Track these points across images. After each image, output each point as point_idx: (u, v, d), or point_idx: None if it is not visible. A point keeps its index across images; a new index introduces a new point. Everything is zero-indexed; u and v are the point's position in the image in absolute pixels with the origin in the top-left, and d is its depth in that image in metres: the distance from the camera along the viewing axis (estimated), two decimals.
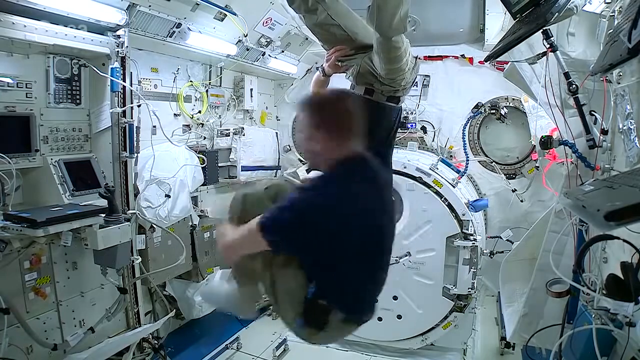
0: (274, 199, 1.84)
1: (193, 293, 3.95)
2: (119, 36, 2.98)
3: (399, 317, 4.00)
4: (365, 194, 1.71)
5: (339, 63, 2.35)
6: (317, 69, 2.47)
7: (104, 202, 2.71)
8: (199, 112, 4.30)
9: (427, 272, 3.86)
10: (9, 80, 2.59)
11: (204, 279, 4.06)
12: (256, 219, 1.66)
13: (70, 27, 2.70)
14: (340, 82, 2.46)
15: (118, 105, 3.04)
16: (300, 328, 1.81)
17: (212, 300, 2.31)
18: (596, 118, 2.43)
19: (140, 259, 3.33)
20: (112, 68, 2.99)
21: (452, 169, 4.49)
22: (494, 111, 4.68)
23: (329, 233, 1.61)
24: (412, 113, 4.93)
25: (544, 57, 2.45)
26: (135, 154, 3.23)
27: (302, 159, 5.35)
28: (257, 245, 1.67)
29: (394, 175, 3.72)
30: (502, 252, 4.11)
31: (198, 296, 3.96)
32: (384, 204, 1.86)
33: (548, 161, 3.67)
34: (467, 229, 3.72)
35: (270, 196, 1.87)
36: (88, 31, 2.81)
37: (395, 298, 3.98)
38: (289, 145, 5.50)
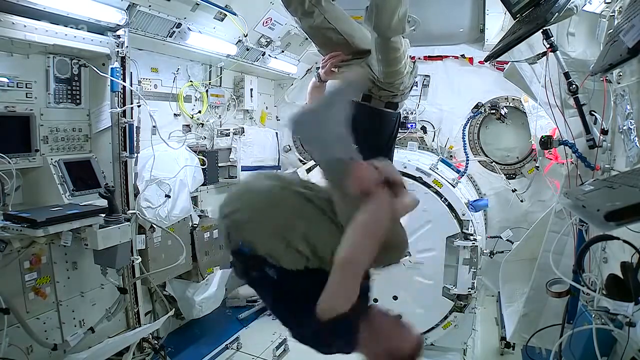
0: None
1: (193, 293, 3.95)
2: (119, 36, 2.98)
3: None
4: None
5: (335, 69, 2.34)
6: (315, 74, 2.45)
7: (104, 202, 2.71)
8: (199, 112, 4.30)
9: (427, 272, 3.87)
10: (4, 79, 2.59)
11: (204, 279, 4.07)
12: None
13: (70, 27, 2.70)
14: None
15: (118, 105, 3.04)
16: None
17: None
18: (596, 118, 2.43)
19: (140, 259, 3.33)
20: (112, 68, 2.99)
21: (452, 169, 4.50)
22: (494, 111, 4.68)
23: None
24: (412, 113, 4.93)
25: (544, 57, 2.45)
26: (135, 154, 3.23)
27: (301, 158, 5.35)
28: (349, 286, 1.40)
29: None
30: (502, 252, 4.11)
31: (198, 296, 3.96)
32: None
33: (548, 161, 3.67)
34: (467, 229, 3.72)
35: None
36: (88, 31, 2.81)
37: (395, 298, 3.98)
38: (289, 145, 5.50)
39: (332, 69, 2.33)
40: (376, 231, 1.42)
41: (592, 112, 2.45)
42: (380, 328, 1.48)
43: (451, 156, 4.86)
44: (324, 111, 1.60)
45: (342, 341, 1.48)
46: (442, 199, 3.76)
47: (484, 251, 4.05)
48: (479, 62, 4.69)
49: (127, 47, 3.02)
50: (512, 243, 4.06)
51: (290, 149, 5.51)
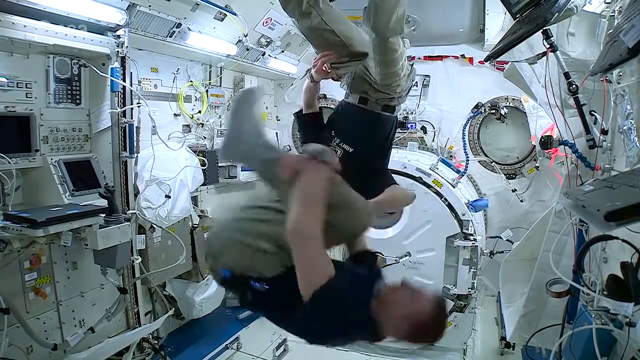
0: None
1: (193, 293, 3.95)
2: (119, 36, 2.98)
3: None
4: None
5: (327, 69, 2.33)
6: (308, 75, 2.45)
7: (104, 202, 2.71)
8: (199, 112, 4.30)
9: (427, 272, 3.87)
10: (4, 79, 2.58)
11: (204, 279, 4.07)
12: (328, 274, 1.42)
13: (70, 27, 2.70)
14: (336, 89, 2.44)
15: (118, 106, 3.04)
16: None
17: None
18: (596, 118, 2.43)
19: (140, 259, 3.33)
20: (112, 68, 2.99)
21: (452, 169, 4.50)
22: (494, 111, 4.68)
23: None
24: (412, 113, 4.93)
25: (544, 57, 2.45)
26: (135, 154, 3.23)
27: None
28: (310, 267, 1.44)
29: (394, 175, 3.77)
30: (502, 252, 4.11)
31: (198, 296, 3.96)
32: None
33: (549, 161, 3.67)
34: (467, 229, 3.73)
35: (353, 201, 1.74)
36: (88, 31, 2.81)
37: None
38: (289, 146, 5.50)
39: (324, 69, 2.33)
40: (310, 196, 1.50)
41: (592, 112, 2.45)
42: (392, 302, 1.45)
43: (451, 156, 4.86)
44: (235, 131, 1.78)
45: (359, 327, 1.48)
46: (442, 199, 3.77)
47: (484, 251, 4.05)
48: (479, 62, 4.69)
49: (127, 47, 3.02)
50: (512, 243, 4.05)
51: (290, 149, 5.51)
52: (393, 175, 3.77)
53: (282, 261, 1.54)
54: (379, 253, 3.87)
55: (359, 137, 2.33)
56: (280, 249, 1.53)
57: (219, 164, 4.46)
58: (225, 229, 1.75)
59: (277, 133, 5.32)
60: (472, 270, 3.74)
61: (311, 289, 1.38)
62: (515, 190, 4.64)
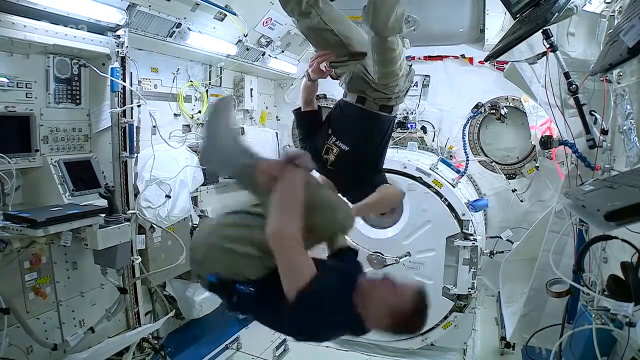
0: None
1: (193, 293, 3.95)
2: (119, 36, 2.98)
3: None
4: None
5: (323, 68, 2.35)
6: (305, 74, 2.47)
7: (104, 202, 2.71)
8: (199, 112, 4.30)
9: (427, 272, 3.87)
10: (4, 79, 2.58)
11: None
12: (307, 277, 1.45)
13: (70, 27, 2.70)
14: (335, 89, 2.45)
15: (118, 105, 3.04)
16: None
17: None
18: (596, 118, 2.43)
19: (140, 259, 3.33)
20: (112, 68, 2.99)
21: (452, 169, 4.50)
22: (494, 111, 4.68)
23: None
24: (412, 113, 4.93)
25: (544, 57, 2.45)
26: (135, 154, 3.23)
27: None
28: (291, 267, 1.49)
29: (394, 175, 3.78)
30: (502, 252, 4.11)
31: (198, 296, 3.96)
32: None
33: (549, 160, 3.67)
34: (467, 229, 3.72)
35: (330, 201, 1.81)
36: (88, 31, 2.81)
37: None
38: (289, 145, 5.50)
39: (322, 68, 2.35)
40: (288, 200, 1.55)
41: (592, 112, 2.45)
42: (372, 294, 1.52)
43: (451, 156, 4.86)
44: (211, 139, 1.84)
45: (343, 322, 1.53)
46: (442, 199, 3.76)
47: (484, 251, 4.05)
48: (479, 62, 4.69)
49: (127, 47, 3.02)
50: (512, 243, 4.05)
51: (290, 147, 5.51)
52: (393, 175, 3.80)
53: (265, 264, 1.59)
54: (379, 253, 3.88)
55: (355, 136, 2.34)
56: (263, 253, 1.58)
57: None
58: (208, 234, 1.78)
59: (277, 133, 5.32)
60: (472, 270, 3.74)
61: (295, 289, 1.43)
62: (515, 190, 4.64)
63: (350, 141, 2.33)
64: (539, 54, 2.49)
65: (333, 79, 2.49)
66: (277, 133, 5.32)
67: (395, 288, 1.54)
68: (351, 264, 1.87)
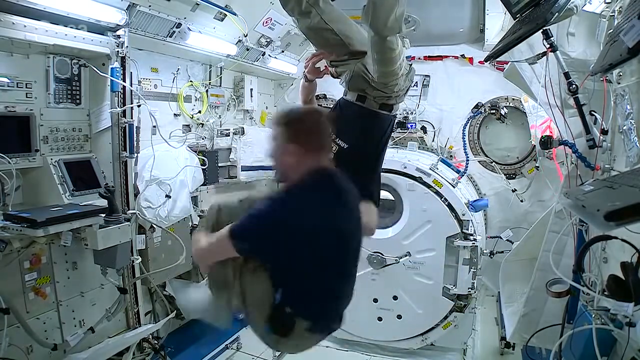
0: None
1: None
2: (119, 36, 2.97)
3: (399, 317, 4.00)
4: (329, 205, 1.75)
5: (322, 67, 2.36)
6: (302, 74, 2.48)
7: (104, 202, 2.71)
8: (199, 112, 4.30)
9: (427, 272, 3.87)
10: (5, 79, 2.58)
11: (204, 279, 4.06)
12: (227, 227, 1.74)
13: (70, 27, 2.70)
14: (335, 89, 2.46)
15: (118, 105, 3.04)
16: (267, 334, 1.89)
17: (189, 310, 2.47)
18: (596, 118, 2.43)
19: (140, 259, 3.32)
20: (112, 68, 2.99)
21: (452, 169, 4.49)
22: (494, 111, 4.68)
23: (293, 240, 1.67)
24: (412, 113, 4.93)
25: (544, 57, 2.45)
26: (135, 154, 3.22)
27: None
28: (227, 251, 1.75)
29: (394, 175, 3.78)
30: (502, 252, 4.11)
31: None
32: (348, 217, 1.87)
33: (548, 160, 3.67)
34: (467, 229, 3.72)
35: (244, 208, 1.90)
36: (88, 31, 2.81)
37: (395, 298, 3.98)
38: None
39: (318, 67, 2.36)
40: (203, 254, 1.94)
41: (592, 112, 2.45)
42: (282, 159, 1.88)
43: (451, 156, 4.86)
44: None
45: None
46: (442, 199, 3.76)
47: (484, 251, 4.04)
48: (479, 62, 4.68)
49: (127, 47, 3.01)
50: (512, 243, 4.05)
51: None
52: (393, 175, 3.80)
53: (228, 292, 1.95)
54: (379, 253, 3.88)
55: (354, 134, 2.34)
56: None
57: (219, 164, 4.46)
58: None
59: None
60: (472, 270, 3.74)
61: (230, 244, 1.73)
62: (515, 190, 4.64)
63: (350, 139, 2.33)
64: (539, 54, 2.49)
65: (334, 77, 2.49)
66: None
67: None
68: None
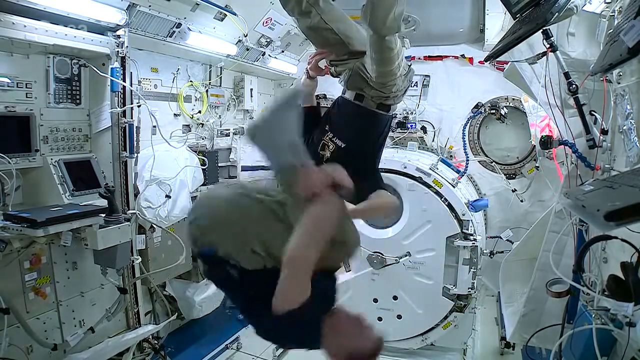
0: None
1: (193, 293, 3.95)
2: (119, 36, 2.98)
3: (399, 317, 3.99)
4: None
5: (322, 66, 2.36)
6: (304, 71, 2.48)
7: (104, 202, 2.71)
8: (199, 112, 4.30)
9: (427, 272, 3.86)
10: (5, 79, 2.59)
11: (203, 279, 4.06)
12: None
13: (70, 27, 2.70)
14: (335, 88, 2.46)
15: (118, 106, 3.04)
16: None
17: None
18: (596, 118, 2.43)
19: (140, 259, 3.33)
20: (112, 68, 2.99)
21: (452, 169, 4.49)
22: (494, 111, 4.68)
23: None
24: (412, 113, 4.92)
25: (544, 57, 2.45)
26: (135, 154, 3.23)
27: None
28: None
29: (394, 175, 3.77)
30: (502, 252, 4.10)
31: (198, 296, 3.96)
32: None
33: (548, 161, 3.67)
34: (467, 229, 3.72)
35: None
36: (88, 31, 2.81)
37: (395, 298, 3.98)
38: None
39: (321, 65, 2.36)
40: (320, 230, 1.54)
41: (592, 112, 2.45)
42: (342, 327, 1.54)
43: (451, 156, 4.85)
44: (274, 121, 1.73)
45: (303, 337, 1.57)
46: (442, 199, 3.76)
47: (484, 251, 4.04)
48: (479, 62, 4.68)
49: (127, 47, 3.02)
50: (512, 243, 4.05)
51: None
52: (393, 175, 3.80)
53: (265, 263, 1.60)
54: (379, 253, 3.87)
55: (351, 133, 2.34)
56: (269, 257, 1.59)
57: (219, 164, 4.47)
58: (221, 207, 1.72)
59: None
60: (472, 270, 3.74)
61: (286, 306, 1.45)
62: (515, 190, 4.64)
63: (347, 138, 2.33)
64: (539, 54, 2.49)
65: (333, 76, 2.49)
66: None
67: (365, 331, 1.57)
68: (330, 285, 1.83)
